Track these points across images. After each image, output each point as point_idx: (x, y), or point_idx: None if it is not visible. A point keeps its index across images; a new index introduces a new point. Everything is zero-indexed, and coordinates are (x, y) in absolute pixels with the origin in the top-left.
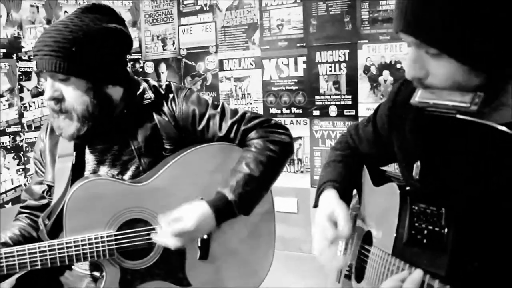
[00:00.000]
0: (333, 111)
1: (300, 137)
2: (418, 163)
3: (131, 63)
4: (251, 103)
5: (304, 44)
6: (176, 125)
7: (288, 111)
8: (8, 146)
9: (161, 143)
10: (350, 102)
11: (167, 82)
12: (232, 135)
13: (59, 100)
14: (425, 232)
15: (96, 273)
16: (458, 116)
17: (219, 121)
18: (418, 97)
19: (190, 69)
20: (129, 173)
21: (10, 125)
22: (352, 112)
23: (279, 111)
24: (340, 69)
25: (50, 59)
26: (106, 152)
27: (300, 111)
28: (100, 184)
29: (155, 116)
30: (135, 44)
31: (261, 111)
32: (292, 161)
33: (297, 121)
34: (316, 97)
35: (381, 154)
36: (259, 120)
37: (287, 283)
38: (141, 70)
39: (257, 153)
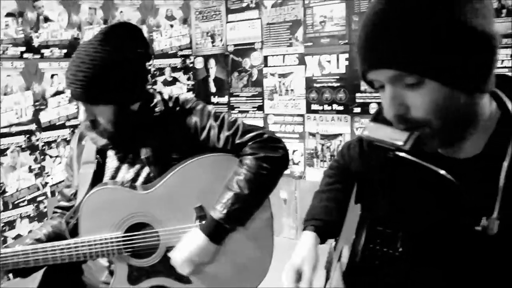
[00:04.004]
0: (373, 108)
1: (340, 134)
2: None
3: (182, 58)
4: (293, 99)
5: (347, 41)
6: (181, 136)
7: (329, 107)
8: (68, 139)
9: (168, 153)
10: None
11: (177, 95)
12: (228, 147)
13: (92, 120)
14: (379, 253)
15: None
16: (397, 153)
17: (217, 133)
18: (366, 130)
19: (237, 65)
20: (140, 180)
21: (69, 119)
22: None
23: (321, 108)
24: None
25: (75, 88)
26: (123, 160)
27: (341, 108)
28: (110, 191)
29: (163, 127)
30: (186, 41)
31: (303, 107)
32: (332, 158)
33: (338, 118)
34: (357, 94)
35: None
36: (252, 135)
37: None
38: (191, 65)
39: (247, 171)
